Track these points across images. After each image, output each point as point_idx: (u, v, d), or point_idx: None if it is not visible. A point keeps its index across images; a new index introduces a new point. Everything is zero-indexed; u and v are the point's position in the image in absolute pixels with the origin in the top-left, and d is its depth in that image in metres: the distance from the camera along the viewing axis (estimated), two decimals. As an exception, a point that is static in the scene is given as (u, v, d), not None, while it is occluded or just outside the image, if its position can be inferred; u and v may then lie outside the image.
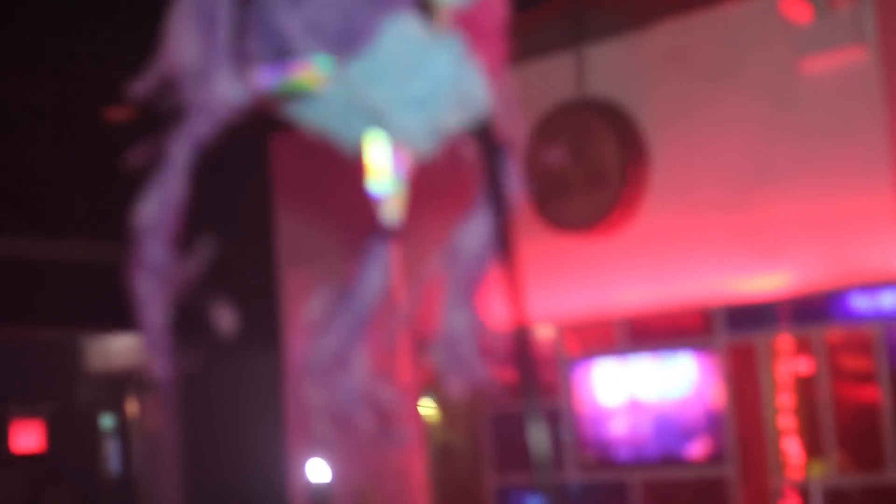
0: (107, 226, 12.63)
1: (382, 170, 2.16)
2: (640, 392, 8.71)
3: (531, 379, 2.36)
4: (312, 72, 2.00)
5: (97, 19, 8.34)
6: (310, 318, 2.12)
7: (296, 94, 2.04)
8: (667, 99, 8.62)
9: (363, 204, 2.17)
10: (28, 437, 13.50)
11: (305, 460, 9.92)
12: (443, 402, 9.74)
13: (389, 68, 2.01)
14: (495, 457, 9.33)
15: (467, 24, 2.06)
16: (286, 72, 1.99)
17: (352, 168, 2.11)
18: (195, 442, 12.16)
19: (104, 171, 11.60)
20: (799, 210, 8.06)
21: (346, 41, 2.01)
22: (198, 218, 2.23)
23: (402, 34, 2.03)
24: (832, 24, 7.88)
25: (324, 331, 2.15)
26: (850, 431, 7.79)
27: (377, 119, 2.06)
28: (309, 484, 9.57)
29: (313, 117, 2.11)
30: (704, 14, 8.56)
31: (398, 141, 2.12)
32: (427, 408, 9.78)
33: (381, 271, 2.22)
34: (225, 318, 2.18)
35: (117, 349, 13.79)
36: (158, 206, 2.01)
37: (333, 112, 2.10)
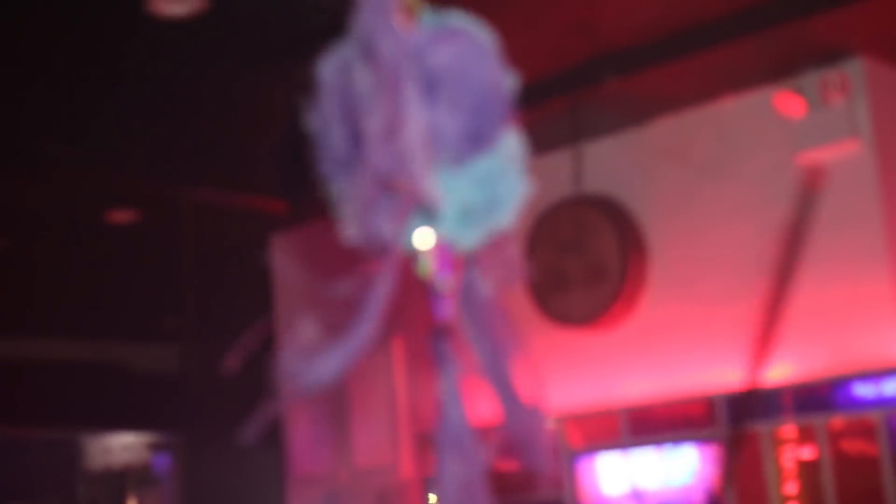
0: (106, 325, 12.72)
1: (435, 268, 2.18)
2: (642, 482, 8.68)
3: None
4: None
5: (98, 120, 8.46)
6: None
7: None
8: (664, 193, 8.72)
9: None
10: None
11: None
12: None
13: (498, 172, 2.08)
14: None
15: None
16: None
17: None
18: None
19: (105, 271, 11.74)
20: (799, 300, 8.09)
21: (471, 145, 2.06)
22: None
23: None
24: (826, 119, 8.00)
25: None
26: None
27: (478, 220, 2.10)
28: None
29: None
30: (700, 110, 8.69)
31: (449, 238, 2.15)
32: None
33: (448, 372, 2.21)
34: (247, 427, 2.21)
35: (117, 447, 13.75)
36: None
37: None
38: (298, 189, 9.24)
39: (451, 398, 2.22)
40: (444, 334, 2.21)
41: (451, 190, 2.06)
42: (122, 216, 10.38)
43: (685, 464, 8.51)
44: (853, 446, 7.89)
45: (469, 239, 2.17)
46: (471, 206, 2.10)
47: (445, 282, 2.15)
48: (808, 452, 8.00)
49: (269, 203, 10.11)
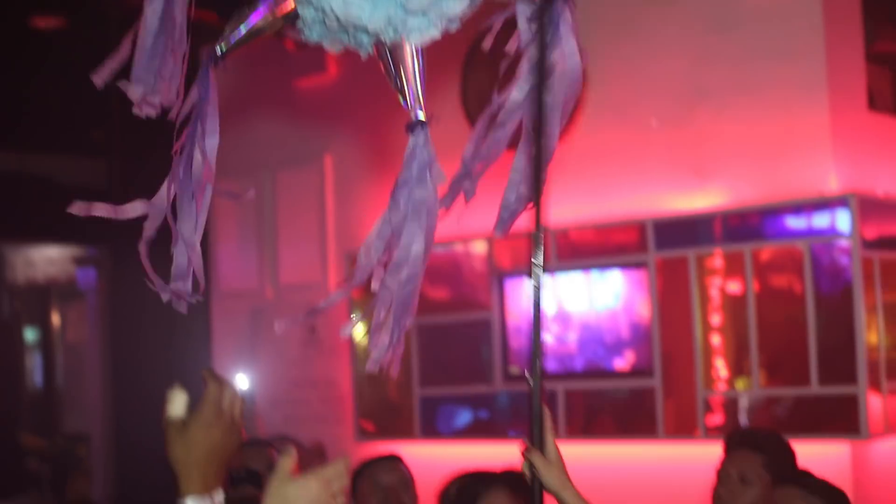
0: (32, 137, 12.44)
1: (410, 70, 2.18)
2: (569, 305, 8.73)
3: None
4: None
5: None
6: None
7: None
8: (603, 21, 8.55)
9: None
10: (-51, 349, 13.31)
11: (231, 370, 9.87)
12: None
13: None
14: (423, 369, 9.33)
15: None
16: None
17: None
18: (120, 354, 12.04)
19: (30, 79, 11.42)
20: (734, 129, 8.09)
21: None
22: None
23: None
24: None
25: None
26: (776, 348, 7.87)
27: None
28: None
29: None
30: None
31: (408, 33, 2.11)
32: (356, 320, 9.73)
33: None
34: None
35: (41, 260, 13.60)
36: None
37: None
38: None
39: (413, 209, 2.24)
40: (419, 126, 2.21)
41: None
42: (47, 22, 10.06)
43: (612, 288, 8.55)
44: (779, 280, 7.96)
45: (420, 28, 2.09)
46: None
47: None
48: (734, 286, 8.06)
49: (201, 13, 9.82)
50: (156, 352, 11.12)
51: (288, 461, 2.26)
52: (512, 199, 2.68)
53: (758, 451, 4.55)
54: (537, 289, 2.56)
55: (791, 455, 4.66)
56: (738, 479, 4.48)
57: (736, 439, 4.77)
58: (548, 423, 2.99)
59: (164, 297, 2.46)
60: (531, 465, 2.94)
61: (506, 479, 4.39)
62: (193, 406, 2.35)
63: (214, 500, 2.44)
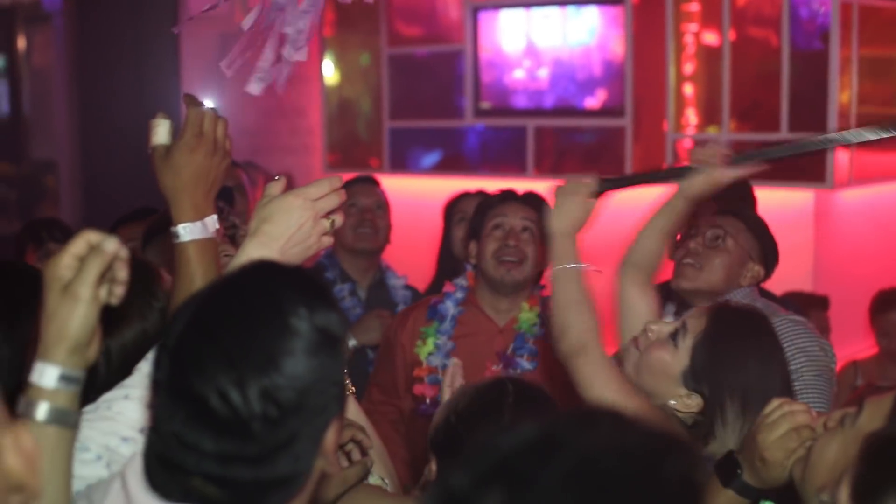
0: None
1: None
2: (541, 40, 8.60)
3: None
4: None
5: None
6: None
7: None
8: None
9: None
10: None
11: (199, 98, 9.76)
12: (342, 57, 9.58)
13: None
14: (393, 102, 9.27)
15: None
16: None
17: None
18: (87, 79, 11.88)
19: None
20: None
21: None
22: None
23: None
24: None
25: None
26: (748, 100, 7.86)
27: None
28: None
29: None
30: None
31: None
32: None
33: None
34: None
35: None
36: None
37: None
38: None
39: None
40: None
41: None
42: None
43: (586, 24, 8.40)
44: (756, 31, 7.86)
45: None
46: None
47: None
48: (711, 37, 7.95)
49: None
50: (124, 76, 10.97)
51: (277, 186, 2.24)
52: None
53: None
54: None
55: (751, 198, 4.70)
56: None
57: None
58: None
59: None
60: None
61: (520, 196, 4.48)
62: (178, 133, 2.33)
63: (207, 225, 2.43)
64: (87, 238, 1.84)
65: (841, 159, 7.63)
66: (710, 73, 7.98)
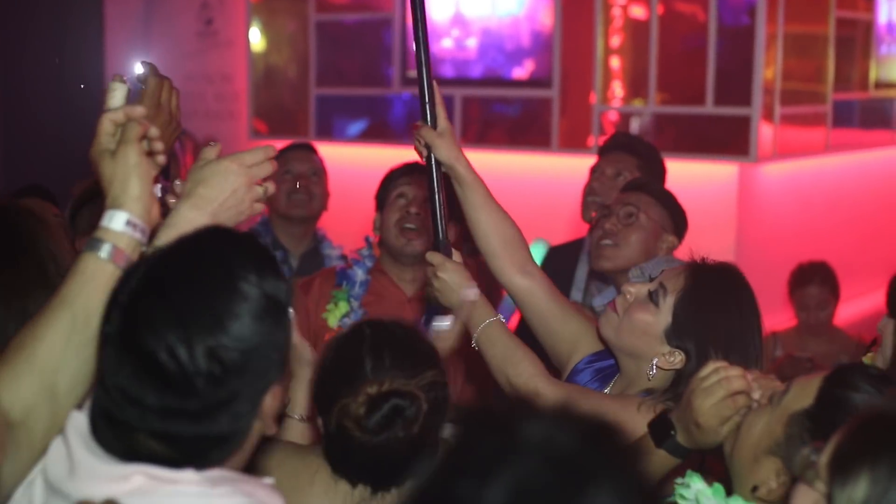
0: None
1: None
2: (469, 9, 8.58)
3: None
4: None
5: None
6: None
7: None
8: None
9: None
10: None
11: (124, 62, 9.63)
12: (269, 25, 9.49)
13: None
14: (320, 69, 9.21)
15: None
16: None
17: None
18: (6, 43, 11.66)
19: None
20: None
21: None
22: None
23: None
24: None
25: None
26: (675, 75, 7.90)
27: None
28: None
29: None
30: None
31: None
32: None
33: None
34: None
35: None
36: None
37: None
38: None
39: None
40: None
41: None
42: None
43: (516, -5, 8.40)
44: (684, 7, 7.90)
45: None
46: None
47: None
48: (639, 10, 7.98)
49: None
50: (46, 39, 10.78)
51: (213, 150, 2.24)
52: None
53: (633, 153, 4.62)
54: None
55: (663, 169, 4.73)
56: (612, 175, 4.56)
57: (612, 143, 4.83)
58: (438, 98, 3.07)
59: None
60: (425, 143, 3.04)
61: (408, 167, 4.44)
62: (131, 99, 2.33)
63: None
64: (110, 117, 2.11)
65: (765, 133, 7.71)
66: (637, 47, 8.02)
